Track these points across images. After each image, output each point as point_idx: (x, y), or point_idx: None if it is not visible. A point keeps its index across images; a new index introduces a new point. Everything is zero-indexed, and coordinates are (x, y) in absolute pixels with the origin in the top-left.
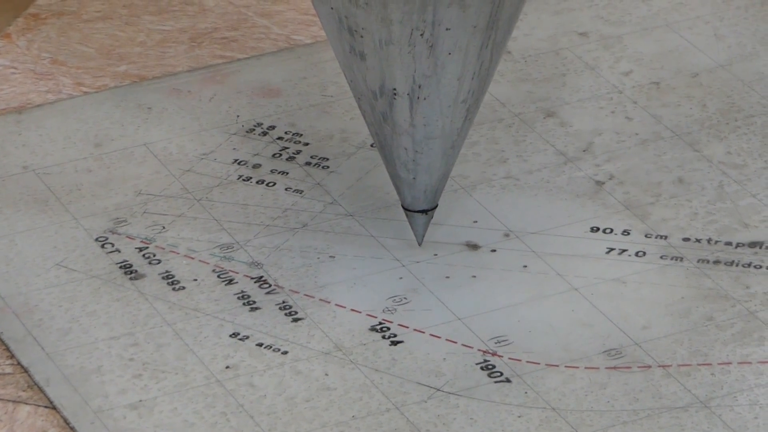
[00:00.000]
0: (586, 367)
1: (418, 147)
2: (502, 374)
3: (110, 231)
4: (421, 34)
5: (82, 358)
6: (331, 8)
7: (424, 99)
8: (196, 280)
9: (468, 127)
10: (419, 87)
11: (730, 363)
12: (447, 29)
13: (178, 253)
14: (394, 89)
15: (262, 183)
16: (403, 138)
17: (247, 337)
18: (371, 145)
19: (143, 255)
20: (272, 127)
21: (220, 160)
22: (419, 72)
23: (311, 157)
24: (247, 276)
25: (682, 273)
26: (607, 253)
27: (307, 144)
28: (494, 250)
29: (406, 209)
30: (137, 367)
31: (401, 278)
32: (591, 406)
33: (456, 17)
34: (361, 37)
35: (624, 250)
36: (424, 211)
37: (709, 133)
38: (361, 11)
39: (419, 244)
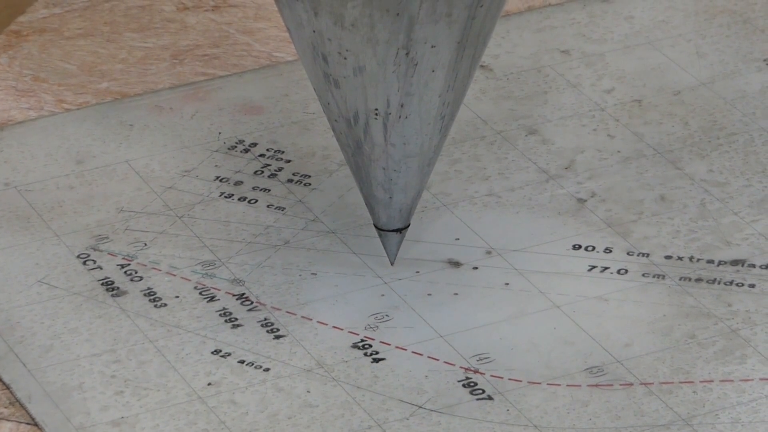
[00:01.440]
0: (568, 385)
1: (396, 166)
2: (484, 392)
3: (92, 248)
4: (407, 53)
5: (64, 374)
6: (314, 31)
7: (405, 118)
8: (177, 297)
9: (443, 143)
10: (401, 106)
11: (712, 381)
12: (432, 46)
13: (160, 270)
14: (376, 110)
15: (244, 200)
16: (382, 158)
17: (229, 354)
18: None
19: (125, 272)
20: (254, 144)
21: (201, 177)
22: (402, 91)
23: (293, 174)
24: (228, 293)
25: (665, 291)
26: (589, 270)
27: (289, 161)
28: (476, 268)
29: (380, 229)
30: (119, 383)
31: (383, 295)
32: (573, 424)
33: (442, 34)
34: (345, 59)
35: (606, 268)
36: (399, 230)
37: (692, 151)
38: (346, 33)
39: (392, 263)
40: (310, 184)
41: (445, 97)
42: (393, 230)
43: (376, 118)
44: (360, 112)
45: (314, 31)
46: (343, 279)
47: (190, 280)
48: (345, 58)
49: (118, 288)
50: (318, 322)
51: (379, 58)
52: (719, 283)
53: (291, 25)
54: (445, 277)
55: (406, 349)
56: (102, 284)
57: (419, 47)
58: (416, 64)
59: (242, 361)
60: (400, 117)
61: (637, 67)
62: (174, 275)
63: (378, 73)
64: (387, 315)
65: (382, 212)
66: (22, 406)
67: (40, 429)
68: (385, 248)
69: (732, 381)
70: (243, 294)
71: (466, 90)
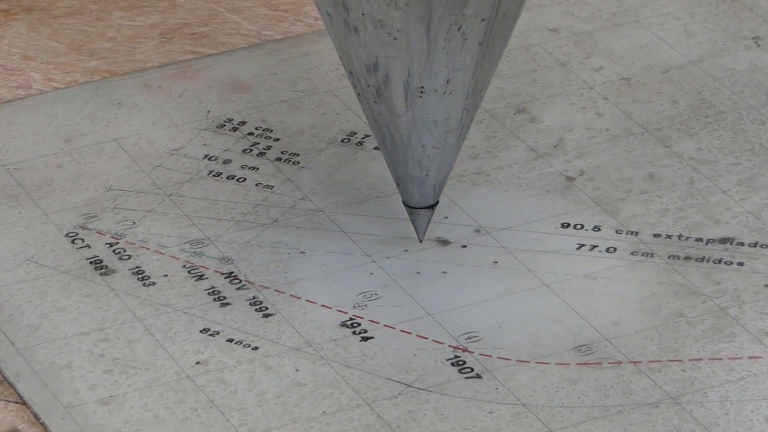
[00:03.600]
0: (556, 363)
1: (435, 143)
2: (472, 370)
3: (80, 226)
4: (458, 28)
5: (53, 353)
6: (363, 14)
7: (450, 93)
8: (166, 275)
9: (473, 117)
10: (447, 82)
11: (700, 359)
12: (482, 20)
13: (149, 249)
14: (422, 87)
15: (233, 178)
16: (423, 135)
17: (218, 333)
18: (375, 148)
19: (113, 250)
20: (243, 123)
21: (190, 155)
22: (450, 66)
23: (282, 152)
24: (217, 272)
25: (653, 269)
26: (578, 249)
27: (277, 140)
28: (465, 246)
29: (411, 207)
30: (107, 362)
31: (372, 274)
32: (562, 402)
33: (490, 5)
34: (394, 39)
35: (594, 246)
36: (431, 207)
37: (680, 129)
38: (399, 13)
39: (420, 241)
40: (298, 163)
41: (487, 69)
42: (425, 207)
43: (420, 96)
44: (402, 90)
45: (363, 14)
46: (332, 257)
47: (178, 259)
48: (395, 38)
49: (106, 267)
50: (306, 300)
51: (431, 35)
52: (708, 261)
53: (333, 14)
54: (434, 256)
55: (394, 328)
56: (90, 263)
57: (470, 21)
58: (466, 39)
59: (231, 340)
60: (444, 93)
61: (626, 46)
62: (162, 254)
63: (426, 50)
64: (376, 294)
65: (416, 190)
66: (10, 384)
67: (28, 407)
68: (415, 226)
69: (721, 359)
70: (231, 272)
71: (498, 62)
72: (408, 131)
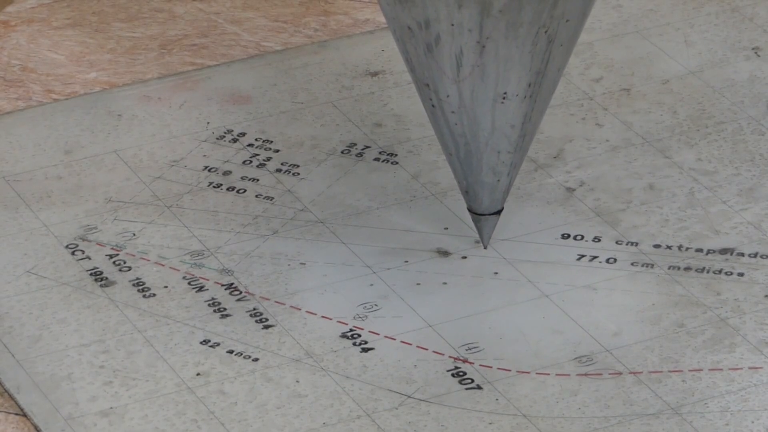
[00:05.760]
0: (557, 374)
1: (511, 147)
2: (473, 381)
3: (80, 238)
4: (546, 31)
5: (53, 365)
6: (452, 25)
7: (529, 97)
8: (166, 287)
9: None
10: (529, 85)
11: (701, 370)
12: (567, 21)
13: (149, 260)
14: (504, 93)
15: (233, 190)
16: (500, 141)
17: (218, 344)
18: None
19: (114, 262)
20: (243, 134)
21: (190, 167)
22: (533, 70)
23: (282, 163)
24: (217, 283)
25: (653, 280)
26: (578, 259)
27: (277, 151)
28: (465, 257)
29: (479, 214)
30: (108, 374)
31: (372, 285)
32: (562, 413)
33: (576, 6)
34: (483, 47)
35: (595, 257)
36: (498, 212)
37: (680, 140)
38: (491, 20)
39: (485, 247)
40: (298, 174)
41: (562, 69)
42: (493, 213)
43: (503, 102)
44: (485, 98)
45: (452, 25)
46: (332, 269)
47: (178, 270)
48: (483, 46)
49: (106, 278)
50: (307, 311)
51: (520, 40)
52: (708, 271)
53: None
54: (434, 267)
55: (395, 339)
56: (90, 274)
57: (556, 23)
58: (551, 42)
59: (231, 351)
60: (525, 97)
61: (626, 56)
62: (163, 265)
63: (515, 55)
64: (376, 305)
65: (487, 196)
66: (10, 396)
67: (28, 419)
68: (481, 232)
69: (721, 370)
70: (232, 284)
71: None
72: (486, 138)
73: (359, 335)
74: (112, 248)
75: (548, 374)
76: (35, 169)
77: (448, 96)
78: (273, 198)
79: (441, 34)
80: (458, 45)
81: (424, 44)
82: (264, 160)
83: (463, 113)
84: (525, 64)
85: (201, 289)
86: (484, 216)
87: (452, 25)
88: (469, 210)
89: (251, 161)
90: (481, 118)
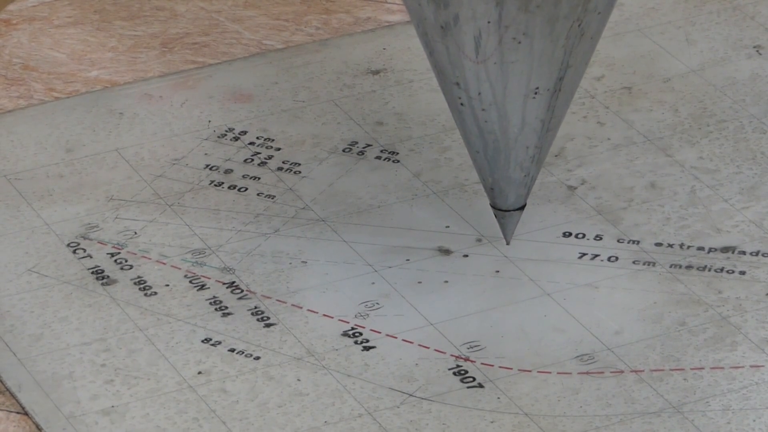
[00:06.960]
0: (558, 373)
1: (539, 143)
2: (474, 379)
3: (82, 236)
4: (579, 24)
5: (54, 363)
6: (488, 22)
7: (559, 90)
8: (168, 285)
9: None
10: (560, 79)
11: (702, 368)
12: (599, 13)
13: (150, 259)
14: (536, 89)
15: (234, 188)
16: (530, 136)
17: (219, 343)
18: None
19: (115, 260)
20: (244, 133)
21: (191, 165)
22: (565, 63)
23: (283, 162)
24: (219, 281)
25: (655, 278)
26: (580, 258)
27: (278, 149)
28: (466, 255)
29: (503, 210)
30: (109, 372)
31: (373, 283)
32: (564, 412)
33: None
34: (519, 43)
35: (596, 255)
36: (522, 208)
37: (681, 138)
38: (528, 16)
39: (508, 243)
40: (300, 172)
41: (588, 63)
42: (518, 209)
43: (534, 97)
44: (518, 94)
45: (489, 23)
46: (334, 267)
47: (180, 269)
48: (519, 42)
49: (108, 277)
50: (308, 310)
51: (555, 35)
52: (709, 270)
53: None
54: (436, 265)
55: (396, 337)
56: (92, 273)
57: (589, 16)
58: (582, 34)
59: (232, 350)
60: (555, 91)
61: (627, 54)
62: (164, 264)
63: (549, 50)
64: (377, 303)
65: (513, 192)
66: (12, 395)
67: (30, 418)
68: (504, 228)
69: (722, 368)
70: (233, 282)
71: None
72: (515, 134)
73: (361, 334)
74: (114, 247)
75: (550, 373)
76: (37, 168)
77: (479, 94)
78: (274, 196)
79: (475, 32)
80: (494, 42)
81: (456, 43)
82: (265, 159)
83: (493, 110)
84: (558, 58)
85: (202, 287)
86: (508, 212)
87: (488, 22)
88: (493, 206)
89: (252, 159)
90: (511, 114)
